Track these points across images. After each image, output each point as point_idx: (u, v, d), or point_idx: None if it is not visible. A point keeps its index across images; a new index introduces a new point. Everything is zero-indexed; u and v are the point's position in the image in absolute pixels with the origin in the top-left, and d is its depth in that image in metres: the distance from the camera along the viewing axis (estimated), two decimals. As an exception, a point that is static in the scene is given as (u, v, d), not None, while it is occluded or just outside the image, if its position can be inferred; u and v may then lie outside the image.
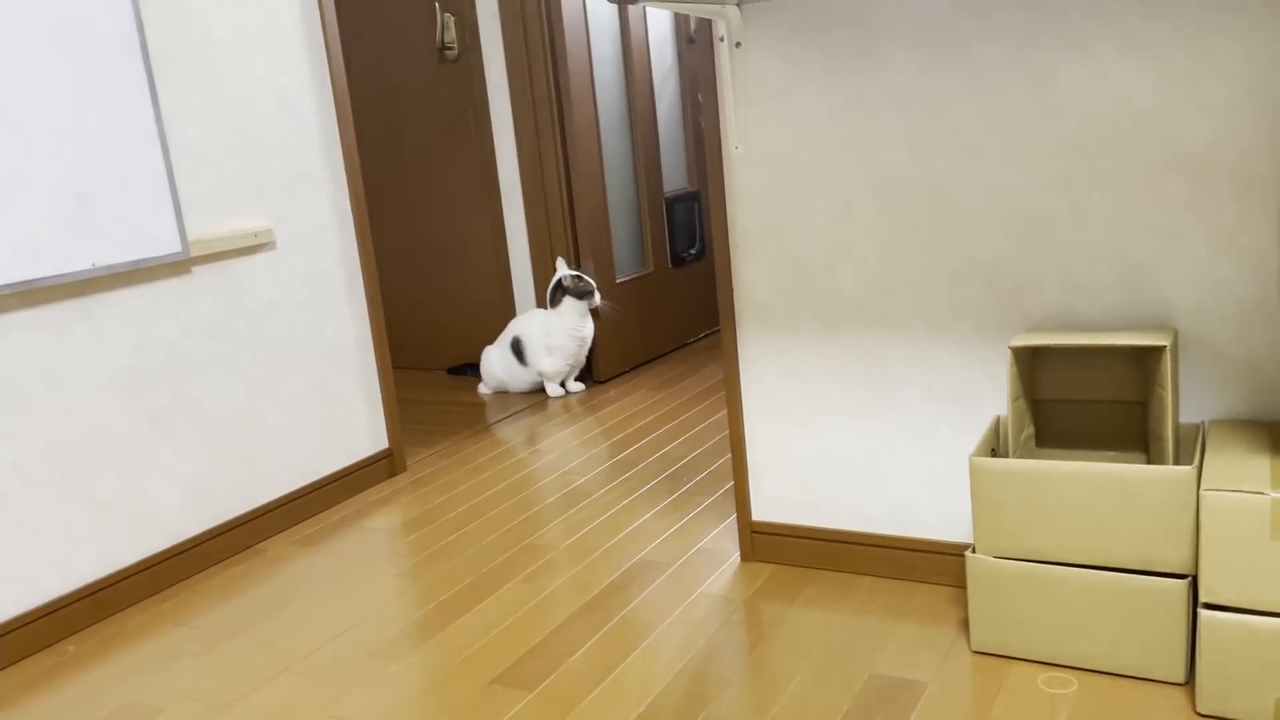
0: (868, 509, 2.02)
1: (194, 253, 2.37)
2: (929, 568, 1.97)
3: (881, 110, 1.83)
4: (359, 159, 2.84)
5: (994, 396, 1.85)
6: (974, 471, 1.64)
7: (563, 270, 3.66)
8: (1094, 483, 1.55)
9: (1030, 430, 1.78)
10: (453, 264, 4.14)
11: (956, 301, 1.85)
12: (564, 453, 3.06)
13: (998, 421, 1.80)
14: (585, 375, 3.87)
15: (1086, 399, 1.76)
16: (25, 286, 2.03)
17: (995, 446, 1.76)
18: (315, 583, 2.30)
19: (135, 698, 1.88)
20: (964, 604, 1.88)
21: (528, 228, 3.91)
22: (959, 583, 1.94)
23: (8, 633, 2.05)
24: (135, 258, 2.23)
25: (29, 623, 2.08)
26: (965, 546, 1.93)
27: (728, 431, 3.08)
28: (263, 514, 2.59)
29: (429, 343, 4.26)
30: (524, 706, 1.71)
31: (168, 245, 2.29)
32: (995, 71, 1.72)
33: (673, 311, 4.27)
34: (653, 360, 4.15)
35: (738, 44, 1.92)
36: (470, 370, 4.11)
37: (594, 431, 3.25)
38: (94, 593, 2.20)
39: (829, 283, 1.95)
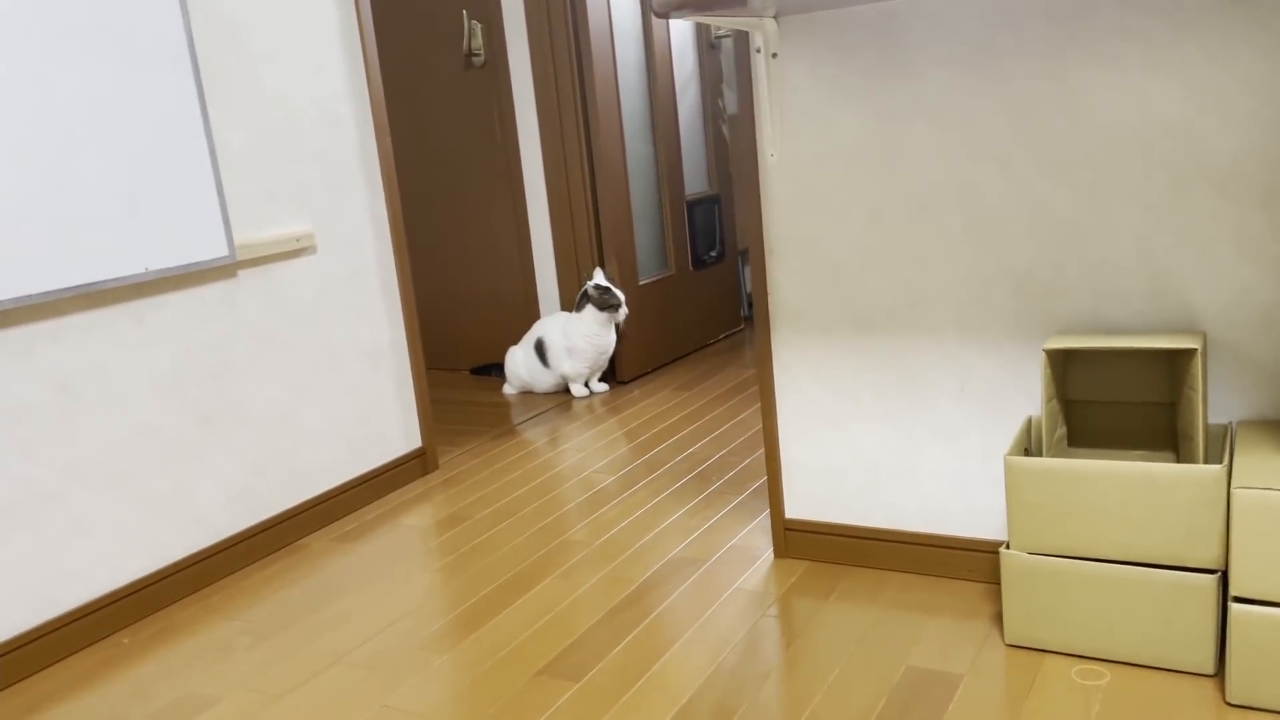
0: (899, 507, 2.08)
1: (240, 257, 2.44)
2: (960, 564, 2.02)
3: (913, 122, 1.89)
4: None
5: (1025, 398, 1.91)
6: (1009, 470, 1.69)
7: (597, 279, 3.71)
8: (1126, 481, 1.60)
9: (1063, 430, 1.84)
10: (478, 266, 4.20)
11: (987, 307, 1.90)
12: (591, 452, 3.12)
13: (1029, 422, 1.85)
14: (609, 376, 3.93)
15: (1117, 400, 1.82)
16: (84, 290, 2.10)
17: (1028, 446, 1.82)
18: (357, 578, 2.37)
19: (192, 688, 1.94)
20: (996, 599, 1.93)
21: (552, 231, 3.97)
22: (990, 579, 1.99)
23: (64, 626, 2.12)
24: (186, 262, 2.29)
25: (83, 616, 2.15)
26: (996, 543, 1.98)
27: (754, 431, 3.15)
28: (302, 511, 2.65)
29: (453, 343, 4.33)
30: (570, 698, 1.78)
31: (215, 249, 2.36)
32: (1025, 85, 1.78)
33: (694, 313, 4.33)
34: (674, 361, 4.21)
35: (774, 55, 1.98)
36: (495, 370, 4.18)
37: (619, 432, 3.31)
38: (144, 587, 2.27)
39: (860, 288, 2.01)
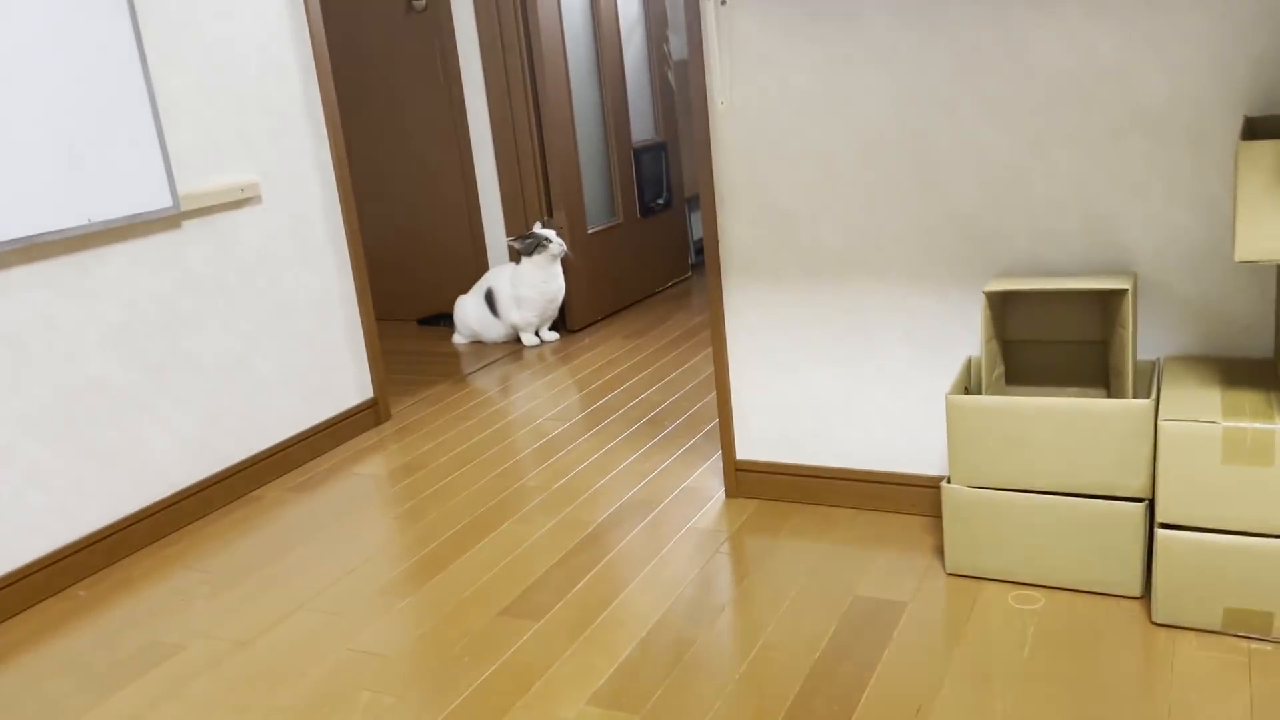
0: (847, 446, 2.15)
1: (184, 207, 2.41)
2: (904, 499, 2.11)
3: (862, 69, 1.93)
4: (338, 112, 2.87)
5: (967, 339, 1.98)
6: (950, 408, 1.77)
7: (535, 229, 3.69)
8: (1060, 417, 1.68)
9: (1001, 369, 1.91)
10: (424, 216, 4.18)
11: (933, 251, 1.96)
12: (544, 400, 3.16)
13: (970, 362, 1.93)
14: (559, 325, 3.95)
15: (1052, 339, 1.89)
16: (26, 243, 2.06)
17: (968, 385, 1.90)
18: (315, 527, 2.39)
19: (155, 636, 1.96)
20: (938, 531, 2.02)
21: (499, 180, 3.96)
22: (932, 512, 2.08)
23: (21, 579, 2.11)
24: (129, 213, 2.26)
25: (41, 569, 2.15)
26: (939, 479, 2.07)
27: (704, 376, 3.21)
28: (257, 462, 2.66)
29: (400, 294, 4.31)
30: (531, 636, 1.83)
31: (159, 200, 2.33)
32: (971, 32, 1.82)
33: (642, 261, 4.35)
34: (624, 309, 4.24)
35: (723, 1, 2.00)
36: (443, 320, 4.17)
37: (572, 379, 3.35)
38: (101, 539, 2.27)
39: (812, 234, 2.06)
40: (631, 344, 3.70)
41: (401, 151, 4.13)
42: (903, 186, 1.95)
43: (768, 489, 2.25)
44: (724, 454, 2.28)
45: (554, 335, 3.88)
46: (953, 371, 2.01)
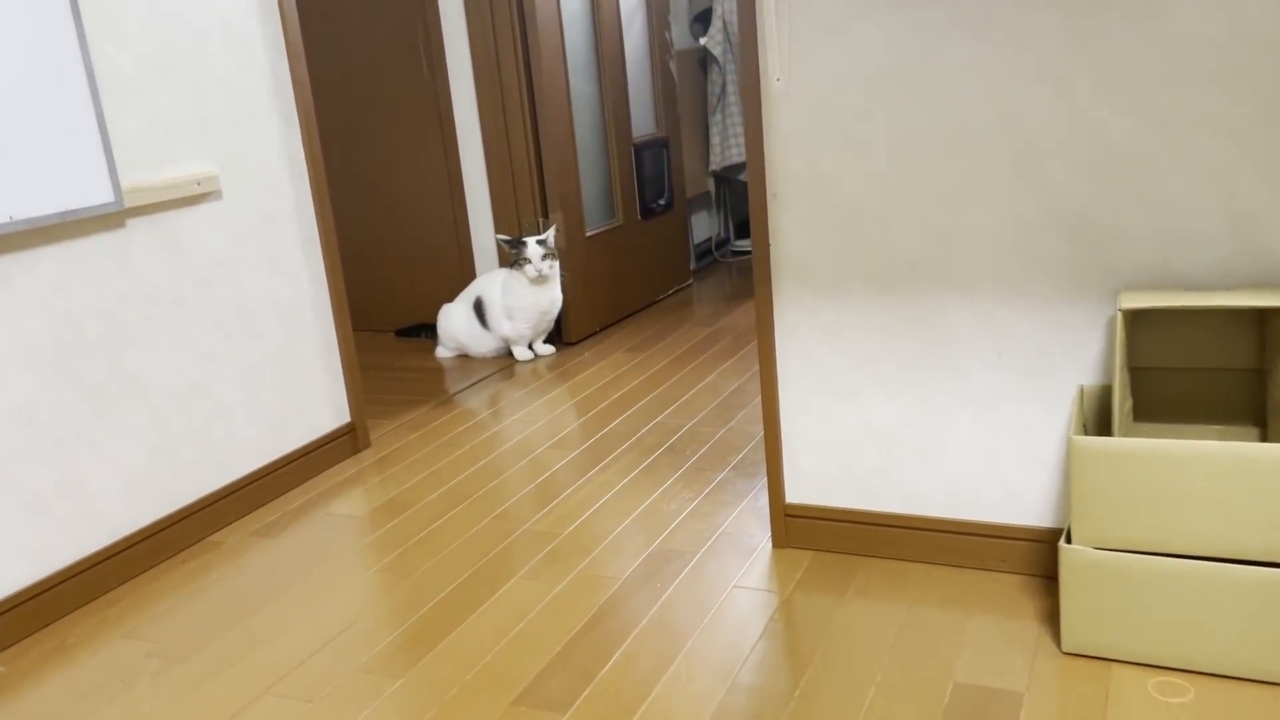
0: (920, 489, 1.81)
1: (129, 203, 2.04)
2: (991, 554, 1.78)
3: (950, 39, 1.60)
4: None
5: (1071, 364, 1.65)
6: (1075, 452, 1.43)
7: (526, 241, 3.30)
8: (1219, 464, 1.36)
9: (1129, 404, 1.59)
10: (403, 217, 3.81)
11: (1032, 257, 1.63)
12: (543, 425, 2.80)
13: (1082, 393, 1.60)
14: (554, 337, 3.60)
15: (1188, 366, 1.57)
16: (-72, 244, 1.69)
17: (1085, 423, 1.57)
18: (283, 581, 2.02)
19: (85, 732, 1.59)
20: (1039, 595, 1.69)
21: (489, 178, 3.60)
22: (1028, 570, 1.75)
23: (-78, 656, 1.73)
24: (60, 209, 1.89)
25: (-52, 642, 1.77)
26: (1034, 531, 1.74)
27: (724, 396, 2.86)
28: (216, 500, 2.28)
29: (376, 302, 3.94)
30: (555, 730, 1.48)
31: (98, 195, 1.96)
32: (1092, -8, 1.50)
33: (643, 267, 4.01)
34: (623, 319, 3.89)
35: (780, -40, 1.66)
36: (425, 332, 3.81)
37: (574, 400, 3.00)
38: (26, 600, 1.89)
39: (882, 237, 1.72)
40: (636, 359, 3.35)
41: (376, 142, 3.75)
42: (997, 179, 1.62)
43: (823, 538, 1.91)
44: (771, 496, 1.94)
45: (549, 349, 3.52)
46: (1052, 402, 1.68)
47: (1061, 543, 1.49)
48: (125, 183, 2.04)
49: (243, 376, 2.35)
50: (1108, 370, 1.62)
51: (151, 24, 2.11)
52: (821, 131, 1.72)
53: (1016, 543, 1.75)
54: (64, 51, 1.88)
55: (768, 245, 1.81)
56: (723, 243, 4.90)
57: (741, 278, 4.44)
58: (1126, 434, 1.53)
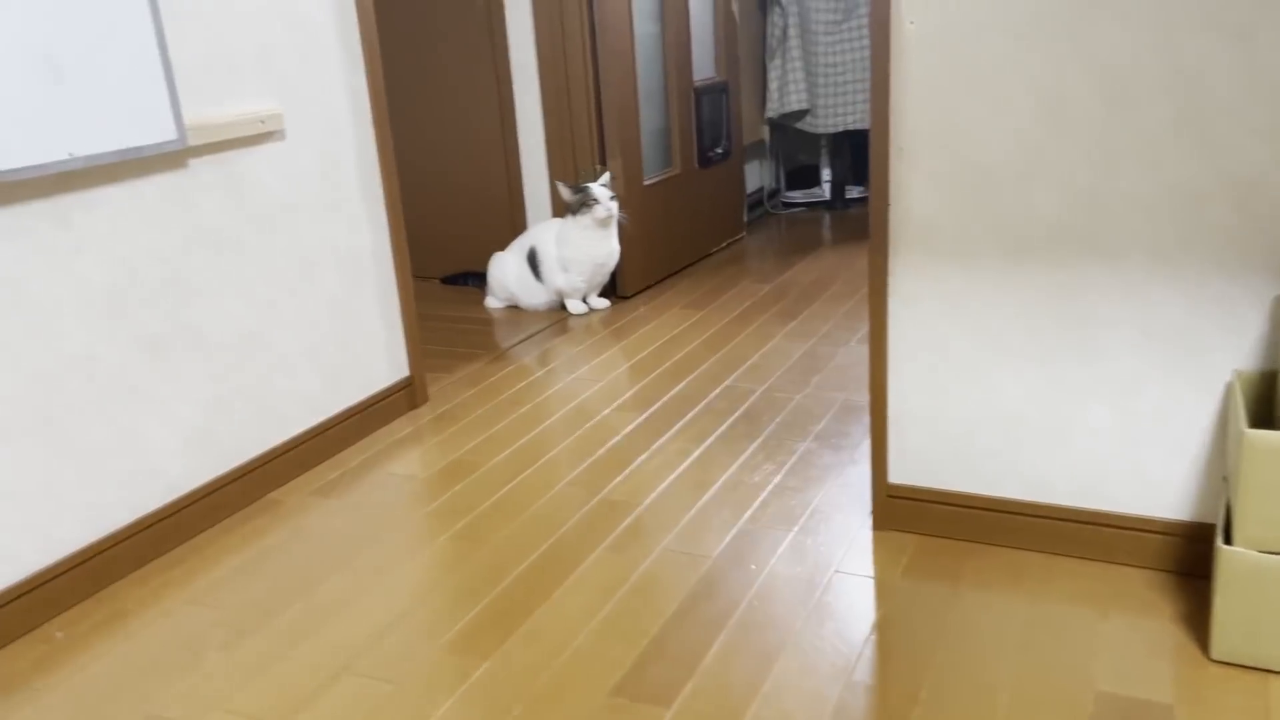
0: (1043, 474, 1.68)
1: (191, 141, 1.90)
2: (1120, 546, 1.65)
3: (1116, -21, 1.43)
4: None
5: (1226, 346, 1.51)
6: (1247, 446, 1.30)
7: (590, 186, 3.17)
8: None
9: (1295, 392, 1.45)
10: (450, 158, 3.65)
11: (1195, 227, 1.48)
12: (606, 384, 2.68)
13: (1238, 379, 1.46)
14: (609, 291, 3.45)
15: (1367, 354, 1.43)
16: (-16, 182, 1.56)
17: (1248, 411, 1.43)
18: (349, 547, 1.91)
19: (154, 709, 1.49)
20: (1174, 594, 1.56)
21: (544, 118, 3.43)
22: (1161, 565, 1.62)
23: (-22, 619, 1.64)
24: (123, 146, 1.75)
25: (5, 603, 1.67)
26: (1170, 524, 1.61)
27: (795, 360, 2.71)
28: (274, 458, 2.17)
29: (422, 248, 3.79)
30: (659, 726, 1.37)
31: (161, 131, 1.82)
32: (1288, -70, 1.33)
33: (698, 218, 3.85)
34: (678, 272, 3.75)
35: (922, -113, 1.49)
36: (471, 280, 3.67)
37: (634, 358, 2.86)
38: (83, 562, 1.79)
39: (1020, 199, 1.57)
40: (695, 316, 3.21)
41: (425, 79, 3.58)
42: (1159, 139, 1.47)
43: (929, 522, 1.79)
44: (874, 473, 1.81)
45: (604, 303, 3.38)
46: (1200, 386, 1.54)
47: (1219, 543, 1.36)
48: (188, 119, 1.90)
49: (301, 327, 2.23)
50: (1270, 355, 1.48)
51: (213, -55, 1.95)
52: (957, 81, 1.56)
53: (1150, 536, 1.62)
54: (124, -27, 1.72)
55: (886, 205, 1.66)
56: (774, 193, 4.73)
57: (793, 230, 4.27)
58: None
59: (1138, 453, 1.61)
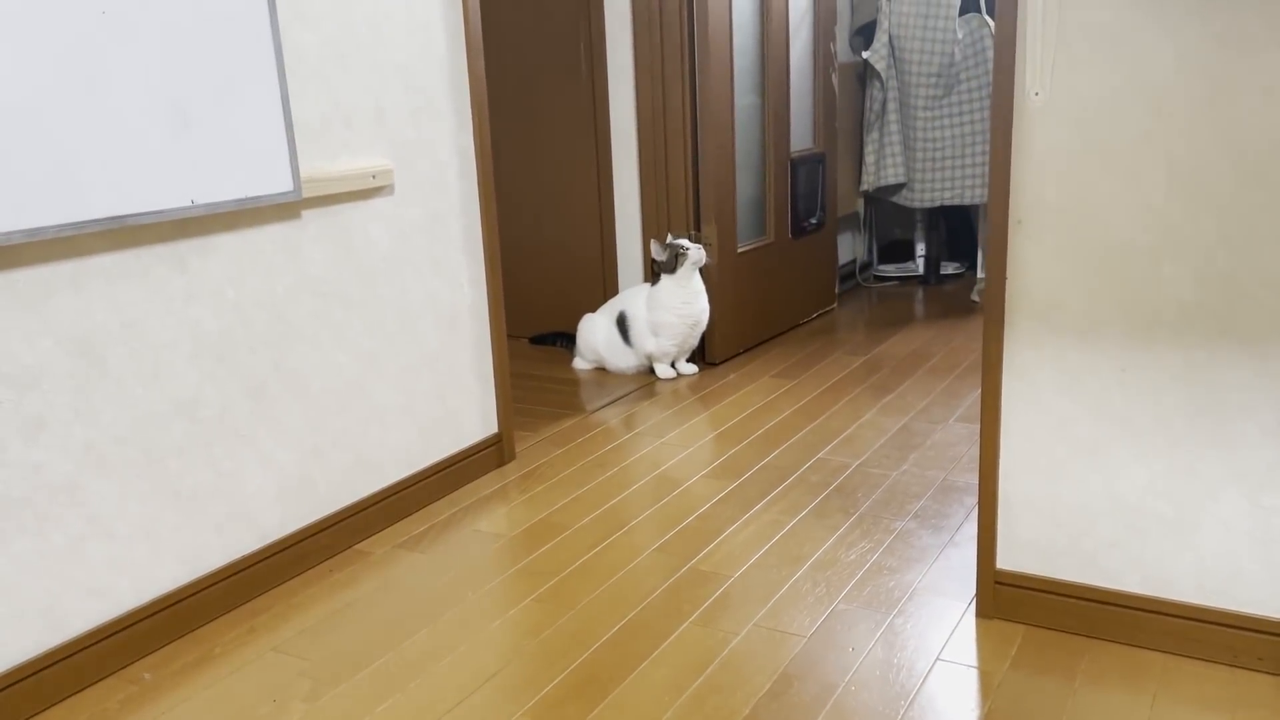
0: (1167, 569, 1.58)
1: (305, 193, 1.94)
2: (1250, 650, 1.54)
3: (1262, 53, 1.38)
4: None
5: (1376, 440, 1.41)
6: (1407, 551, 1.20)
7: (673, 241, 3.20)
8: None
9: None
10: (547, 219, 3.69)
11: (1339, 313, 1.40)
12: (695, 451, 2.63)
13: (1392, 475, 1.36)
14: (697, 356, 3.43)
15: None
16: (113, 224, 1.60)
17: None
18: (436, 603, 1.89)
19: (237, 759, 1.47)
20: (1315, 706, 1.45)
21: (640, 182, 3.46)
22: (1299, 675, 1.51)
23: (72, 655, 1.64)
24: (241, 195, 1.79)
25: (97, 641, 1.68)
26: (1306, 628, 1.49)
27: (890, 435, 2.62)
28: (364, 509, 2.17)
29: (511, 307, 3.82)
30: (752, 814, 1.30)
31: (278, 183, 1.86)
32: None
33: (790, 288, 3.82)
34: (767, 341, 3.71)
35: (1052, -42, 1.47)
36: (560, 341, 3.68)
37: (723, 426, 2.82)
38: (175, 603, 1.80)
39: (1151, 277, 1.51)
40: (785, 385, 3.16)
41: (526, 141, 3.65)
42: (1302, 221, 1.39)
43: (1040, 613, 1.69)
44: (980, 558, 1.73)
45: (692, 368, 3.36)
46: (1347, 482, 1.44)
47: (1374, 655, 1.25)
48: (304, 171, 1.95)
49: (399, 379, 2.24)
50: None
51: (336, 2, 2.01)
52: (1084, 153, 1.51)
53: (1286, 641, 1.51)
54: (255, 25, 1.78)
55: (1004, 278, 1.61)
56: (866, 266, 4.68)
57: (886, 304, 4.21)
58: None
59: (1273, 550, 1.50)
